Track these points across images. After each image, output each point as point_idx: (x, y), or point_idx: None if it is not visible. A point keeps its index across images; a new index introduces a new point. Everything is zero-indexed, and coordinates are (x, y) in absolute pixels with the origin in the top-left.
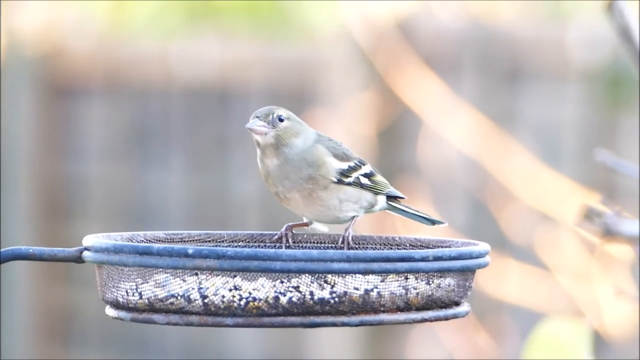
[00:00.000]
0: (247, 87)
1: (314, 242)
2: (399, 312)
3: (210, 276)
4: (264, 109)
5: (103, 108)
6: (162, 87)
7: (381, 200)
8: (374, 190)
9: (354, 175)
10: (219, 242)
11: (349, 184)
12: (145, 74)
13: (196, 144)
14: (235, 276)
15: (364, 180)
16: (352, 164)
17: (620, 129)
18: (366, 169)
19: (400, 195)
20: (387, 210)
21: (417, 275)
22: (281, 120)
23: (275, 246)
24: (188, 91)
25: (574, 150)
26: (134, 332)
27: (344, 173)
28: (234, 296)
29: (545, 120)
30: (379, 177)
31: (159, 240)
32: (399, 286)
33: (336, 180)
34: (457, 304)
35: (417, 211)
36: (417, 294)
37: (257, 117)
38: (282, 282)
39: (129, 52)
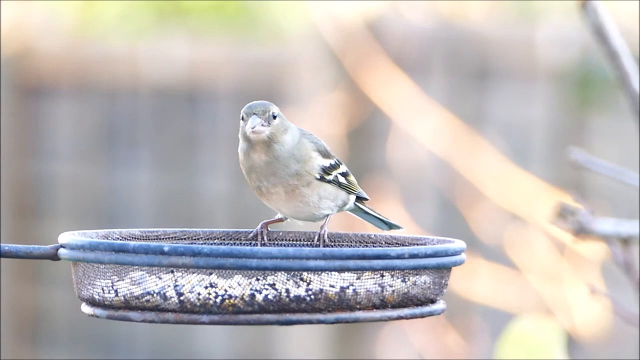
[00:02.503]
0: (215, 86)
1: (289, 240)
2: (374, 310)
3: (186, 274)
4: (260, 106)
5: (72, 107)
6: (131, 86)
7: (352, 200)
8: (348, 189)
9: (334, 173)
10: (195, 239)
11: (329, 181)
12: (114, 73)
13: (164, 143)
14: (211, 274)
15: (342, 179)
16: (332, 161)
17: (589, 128)
18: (343, 168)
19: (367, 196)
20: (348, 211)
21: (393, 272)
22: (274, 117)
23: (250, 244)
24: (156, 91)
25: (543, 150)
26: (102, 331)
27: (326, 170)
28: (209, 294)
29: (514, 119)
30: (352, 177)
31: (135, 238)
32: (375, 284)
33: (319, 177)
34: (432, 301)
35: (379, 214)
36: (393, 291)
37: (254, 114)
38: (258, 279)
39: (97, 52)
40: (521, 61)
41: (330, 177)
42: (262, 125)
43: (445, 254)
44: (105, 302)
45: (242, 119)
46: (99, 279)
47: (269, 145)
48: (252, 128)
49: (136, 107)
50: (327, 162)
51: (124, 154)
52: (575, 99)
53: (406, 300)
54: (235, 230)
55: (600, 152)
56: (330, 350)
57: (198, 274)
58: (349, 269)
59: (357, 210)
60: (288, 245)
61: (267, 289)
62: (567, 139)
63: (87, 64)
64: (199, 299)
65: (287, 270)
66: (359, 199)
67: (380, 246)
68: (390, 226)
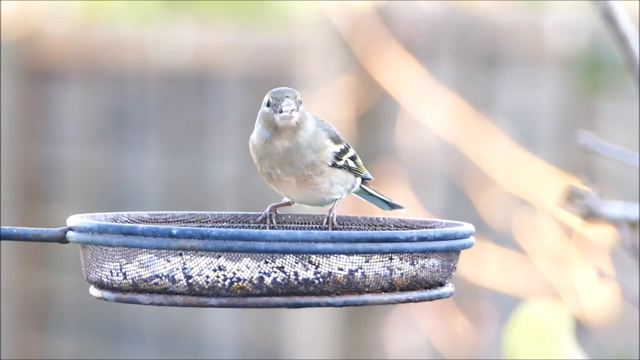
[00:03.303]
0: (223, 72)
1: (298, 223)
2: (383, 293)
3: (194, 256)
4: (289, 91)
5: (80, 92)
6: (139, 72)
7: (358, 182)
8: (356, 172)
9: (344, 158)
10: (203, 222)
11: (340, 167)
12: (122, 58)
13: (173, 128)
14: (219, 257)
15: (351, 164)
16: (342, 146)
17: (598, 113)
18: (352, 151)
19: (370, 177)
20: (352, 193)
21: (401, 255)
22: (300, 103)
23: (259, 227)
24: (164, 76)
25: (552, 135)
26: (110, 316)
27: (337, 156)
28: (218, 276)
29: (522, 104)
30: (359, 160)
31: (143, 221)
32: (383, 267)
33: (331, 164)
34: (441, 284)
35: (382, 194)
36: (402, 274)
37: (287, 97)
38: (266, 262)
39: (105, 37)
40: (530, 46)
41: (341, 163)
42: (294, 110)
43: (454, 237)
44: (114, 285)
45: (268, 104)
46: (108, 261)
47: (295, 132)
48: (289, 111)
49: (144, 92)
50: (338, 148)
51: (132, 138)
52: (584, 84)
53: (415, 284)
54: (244, 213)
55: (609, 136)
56: (338, 334)
57: (206, 256)
58: (357, 252)
59: (361, 191)
60: (297, 229)
61: (275, 272)
62: (575, 124)
63: (95, 49)
64: (207, 282)
65: (295, 253)
66: (363, 180)
67: (389, 229)
68: (392, 206)
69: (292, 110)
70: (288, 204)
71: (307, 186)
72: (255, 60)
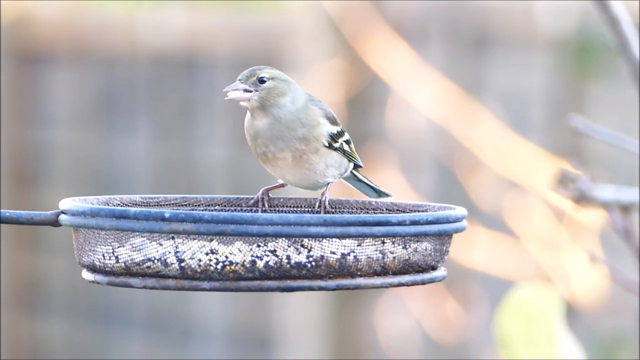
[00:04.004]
0: (213, 54)
1: (290, 206)
2: (375, 277)
3: (187, 240)
4: (247, 71)
5: (70, 75)
6: (129, 54)
7: (350, 167)
8: (350, 157)
9: (340, 140)
10: (195, 205)
11: (335, 149)
12: (112, 41)
13: (163, 111)
14: (211, 240)
15: (346, 147)
16: (339, 128)
17: (589, 96)
18: (346, 135)
19: (361, 164)
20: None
21: (393, 239)
22: (262, 81)
23: (251, 210)
24: (154, 59)
25: (542, 118)
26: (100, 299)
27: (334, 137)
28: (210, 260)
29: (513, 87)
30: (352, 145)
31: (135, 204)
32: (376, 250)
33: (327, 145)
34: (433, 268)
35: (370, 181)
36: (394, 258)
37: (239, 80)
38: (258, 246)
39: (95, 20)
40: (520, 29)
41: (337, 145)
42: (245, 90)
43: (447, 220)
44: (106, 269)
45: None
46: (100, 245)
47: (264, 110)
48: (232, 97)
49: (134, 75)
50: (334, 130)
51: (122, 122)
52: (575, 67)
53: (407, 267)
54: (236, 196)
55: (600, 120)
56: (329, 317)
57: (199, 240)
58: (350, 236)
59: (350, 177)
60: (289, 212)
61: (268, 256)
62: (566, 107)
63: (85, 31)
64: (199, 266)
65: (288, 236)
66: (355, 166)
67: (381, 213)
68: (380, 194)
69: (235, 91)
70: (281, 185)
71: (302, 164)
72: (246, 43)
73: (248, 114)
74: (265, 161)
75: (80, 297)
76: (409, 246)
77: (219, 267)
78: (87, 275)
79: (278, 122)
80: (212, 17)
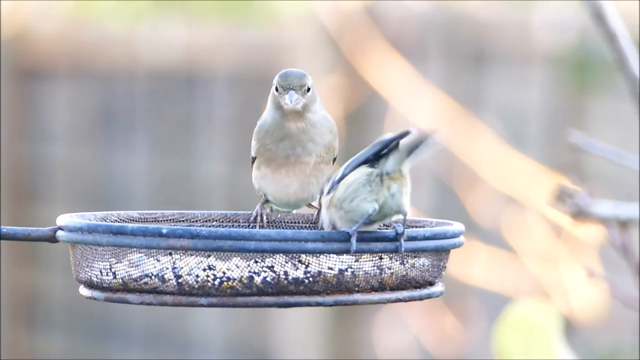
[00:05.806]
0: (212, 70)
1: (288, 222)
2: (373, 292)
3: (184, 256)
4: (297, 80)
5: (68, 91)
6: (128, 70)
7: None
8: None
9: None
10: (193, 221)
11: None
12: (111, 56)
13: (162, 126)
14: (209, 256)
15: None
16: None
17: (587, 111)
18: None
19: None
20: None
21: (391, 255)
22: (309, 90)
23: (249, 226)
24: (154, 74)
25: (540, 133)
26: (98, 315)
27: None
28: (208, 276)
29: (511, 103)
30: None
31: (133, 220)
32: (373, 266)
33: (334, 159)
34: (431, 284)
35: None
36: (392, 274)
37: (292, 89)
38: (256, 262)
39: (94, 35)
40: (518, 44)
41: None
42: (298, 99)
43: (444, 236)
44: (104, 285)
45: (277, 89)
46: (97, 261)
47: (302, 115)
48: (291, 102)
49: (133, 90)
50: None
51: (121, 137)
52: (573, 82)
53: (405, 283)
54: (234, 212)
55: (599, 135)
56: (326, 333)
57: (196, 256)
58: (347, 252)
59: None
60: (287, 228)
61: (265, 272)
62: (564, 122)
63: (84, 47)
64: (197, 282)
65: (285, 252)
66: None
67: (378, 228)
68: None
69: (296, 99)
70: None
71: (315, 173)
72: (244, 59)
73: (266, 116)
74: (280, 165)
75: (79, 312)
76: (407, 262)
77: (216, 283)
78: (84, 291)
79: (313, 126)
80: (211, 32)
